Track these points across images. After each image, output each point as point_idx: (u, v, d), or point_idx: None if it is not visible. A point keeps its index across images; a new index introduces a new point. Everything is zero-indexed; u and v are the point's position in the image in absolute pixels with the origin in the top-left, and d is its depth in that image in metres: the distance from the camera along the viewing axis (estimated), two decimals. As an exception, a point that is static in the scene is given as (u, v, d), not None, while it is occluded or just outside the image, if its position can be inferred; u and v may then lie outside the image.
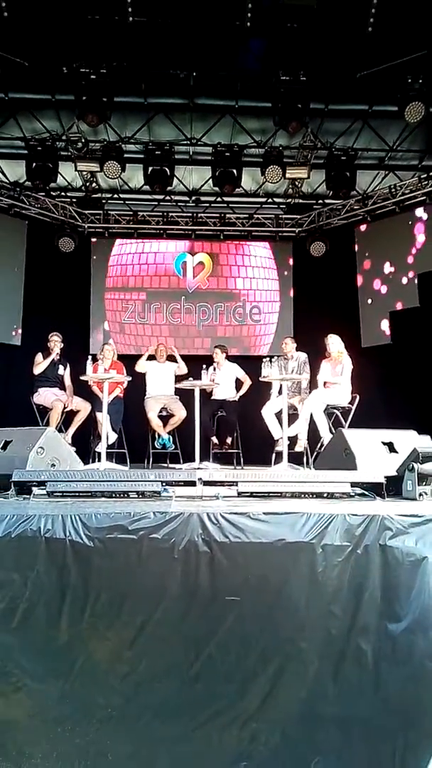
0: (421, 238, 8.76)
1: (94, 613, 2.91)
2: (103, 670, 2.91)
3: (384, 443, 4.23)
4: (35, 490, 3.46)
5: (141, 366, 7.21)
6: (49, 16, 6.46)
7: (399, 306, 8.97)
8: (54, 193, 9.36)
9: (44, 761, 2.79)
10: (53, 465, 3.94)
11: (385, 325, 9.11)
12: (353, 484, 3.76)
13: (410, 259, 8.86)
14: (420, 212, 8.77)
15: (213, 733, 2.85)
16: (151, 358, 7.44)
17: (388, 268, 9.17)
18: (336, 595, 3.08)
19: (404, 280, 8.90)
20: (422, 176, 8.65)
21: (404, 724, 2.86)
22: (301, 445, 6.45)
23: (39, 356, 6.63)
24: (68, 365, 6.69)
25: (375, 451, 4.17)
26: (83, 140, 8.31)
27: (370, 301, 9.38)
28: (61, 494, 3.41)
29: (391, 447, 4.21)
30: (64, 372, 6.68)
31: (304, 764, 2.86)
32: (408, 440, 4.24)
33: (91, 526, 2.99)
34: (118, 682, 2.91)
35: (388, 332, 9.06)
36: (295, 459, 6.23)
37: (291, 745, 2.88)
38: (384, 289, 9.22)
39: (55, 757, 2.81)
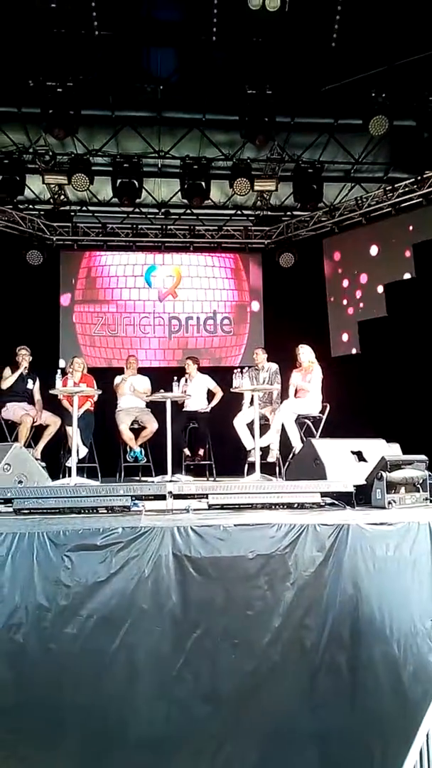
0: (387, 249, 8.91)
1: (63, 632, 2.85)
2: (69, 695, 2.84)
3: (353, 452, 4.27)
4: (1, 507, 3.40)
5: (120, 387, 7.13)
6: (14, 29, 6.43)
7: (367, 316, 9.08)
8: (22, 206, 9.28)
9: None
10: (20, 482, 3.88)
11: (354, 334, 9.21)
12: (323, 494, 3.78)
13: (378, 270, 9.00)
14: (386, 223, 8.91)
15: (187, 756, 2.80)
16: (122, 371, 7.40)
17: (355, 278, 9.29)
18: (309, 606, 3.07)
19: (372, 291, 9.02)
20: (387, 188, 8.80)
21: (381, 735, 2.86)
22: (274, 456, 6.45)
23: (7, 370, 6.53)
24: (37, 379, 6.60)
25: (344, 461, 4.20)
26: (51, 153, 8.27)
27: (338, 311, 9.48)
28: (28, 511, 3.35)
29: (360, 456, 4.25)
30: (34, 386, 6.58)
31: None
32: (377, 449, 4.28)
33: (59, 543, 2.94)
34: (87, 703, 2.84)
35: (357, 342, 9.16)
36: (268, 469, 6.22)
37: (269, 764, 2.84)
38: (352, 300, 9.33)
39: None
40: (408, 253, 8.51)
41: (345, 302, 9.44)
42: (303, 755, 2.84)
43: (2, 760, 2.70)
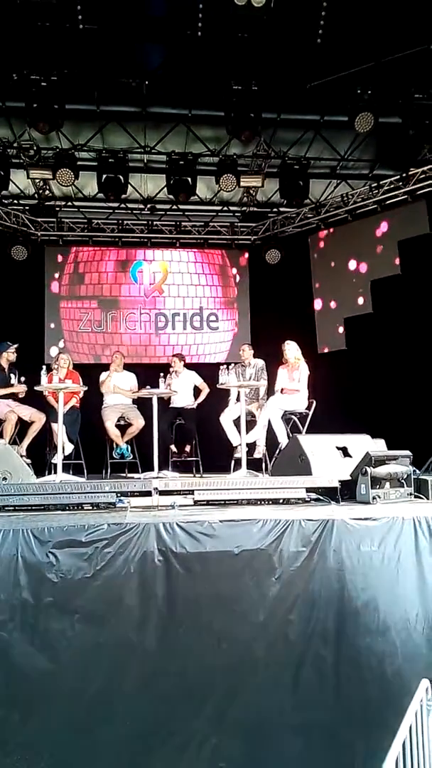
0: (373, 245, 8.94)
1: (48, 628, 2.85)
2: (56, 688, 2.84)
3: (338, 448, 4.29)
4: (-15, 504, 3.38)
5: (105, 384, 7.10)
6: (-3, 22, 6.36)
7: (353, 312, 9.11)
8: (6, 201, 9.18)
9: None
10: (4, 478, 3.85)
11: (340, 331, 9.25)
12: (308, 490, 3.80)
13: (363, 267, 9.03)
14: (372, 220, 8.94)
15: (172, 752, 2.81)
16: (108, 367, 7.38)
17: (341, 275, 9.31)
18: (293, 601, 3.09)
19: (357, 288, 9.05)
20: (373, 185, 8.83)
21: (365, 727, 2.89)
22: (260, 452, 6.47)
23: None
24: (17, 372, 6.57)
25: (329, 456, 4.22)
26: (35, 148, 8.19)
27: (324, 307, 9.51)
28: (12, 508, 3.33)
29: (345, 452, 4.27)
30: (16, 381, 6.54)
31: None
32: (362, 445, 4.30)
33: (44, 540, 2.94)
34: (72, 699, 2.84)
35: (343, 338, 9.20)
36: (255, 465, 6.24)
37: (253, 757, 2.86)
38: (338, 296, 9.36)
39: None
40: (393, 250, 8.54)
41: (331, 299, 9.46)
42: (287, 747, 2.86)
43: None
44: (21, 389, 6.22)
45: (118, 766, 2.76)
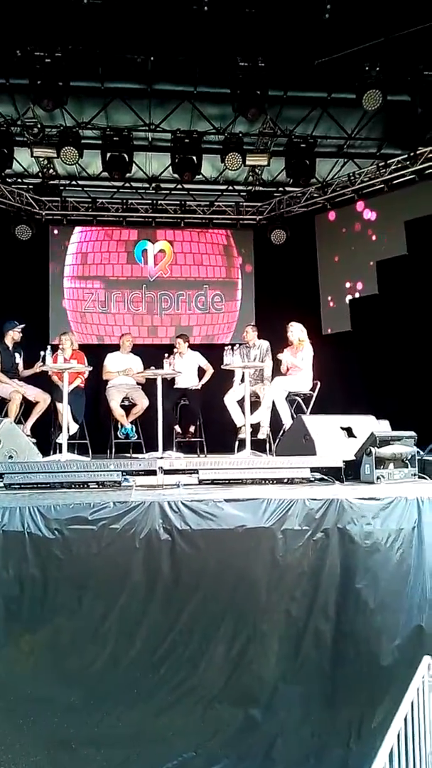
0: (379, 225, 8.87)
1: (55, 604, 2.90)
2: (65, 659, 2.90)
3: (343, 428, 4.30)
4: (-8, 482, 3.41)
5: (109, 372, 7.12)
6: (0, -3, 6.27)
7: (359, 293, 9.08)
8: (10, 180, 9.12)
9: (7, 752, 2.78)
10: (11, 457, 3.89)
11: (345, 312, 9.21)
12: (313, 469, 3.82)
13: (369, 247, 8.97)
14: (379, 200, 8.86)
15: (177, 717, 2.88)
16: (116, 348, 7.40)
17: (347, 255, 9.26)
18: (296, 578, 3.13)
19: (364, 268, 9.00)
20: (380, 164, 8.73)
21: (361, 698, 2.94)
22: (264, 433, 6.49)
23: None
24: (22, 352, 6.60)
25: (334, 437, 4.23)
26: (39, 125, 8.11)
27: (330, 288, 9.46)
28: (19, 486, 3.37)
29: (349, 432, 4.29)
30: (20, 360, 6.58)
31: (267, 742, 2.91)
32: (366, 425, 4.32)
33: (50, 518, 2.97)
34: (80, 672, 2.90)
35: (348, 319, 9.16)
36: (258, 446, 6.26)
37: (254, 724, 2.93)
38: (344, 277, 9.31)
39: (18, 747, 2.80)
40: (400, 230, 8.47)
41: (336, 280, 9.42)
42: (287, 717, 2.92)
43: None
44: (41, 369, 6.13)
45: (126, 731, 2.83)
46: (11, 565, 2.88)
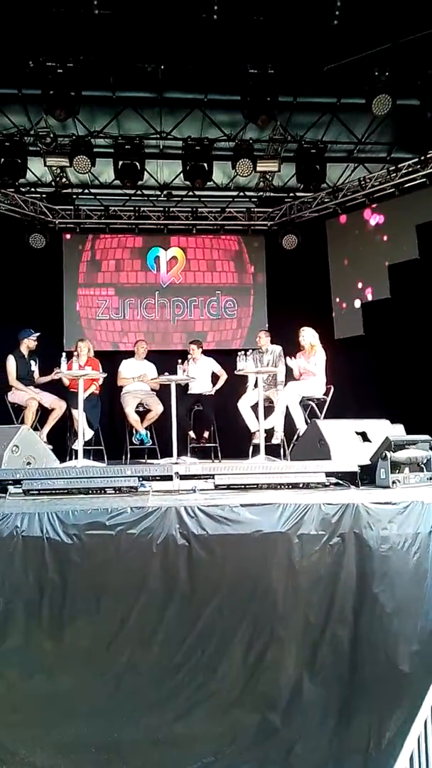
0: (390, 230, 8.86)
1: (74, 609, 2.93)
2: (84, 665, 2.93)
3: (357, 433, 4.30)
4: (11, 488, 3.45)
5: (124, 378, 7.21)
6: (13, 9, 6.35)
7: (370, 298, 9.06)
8: (23, 189, 9.23)
9: (28, 756, 2.80)
10: (29, 463, 3.93)
11: (357, 316, 9.20)
12: (328, 474, 3.83)
13: (381, 251, 8.95)
14: (390, 204, 8.86)
15: (194, 723, 2.89)
16: (130, 354, 7.47)
17: (359, 260, 9.25)
18: (313, 583, 3.14)
19: (376, 272, 8.98)
20: (391, 168, 8.73)
21: (379, 704, 2.94)
22: (278, 437, 6.50)
23: (10, 361, 6.51)
24: (37, 360, 6.66)
25: (349, 441, 4.23)
26: (52, 135, 8.20)
27: (342, 293, 9.46)
28: (37, 492, 3.40)
29: (364, 436, 4.29)
30: (35, 367, 6.64)
31: (285, 747, 2.91)
32: (381, 429, 4.31)
33: (68, 523, 3.00)
34: (99, 677, 2.93)
35: (360, 324, 9.15)
36: (273, 451, 6.28)
37: (272, 729, 2.93)
38: (356, 281, 9.30)
39: (39, 752, 2.83)
40: (412, 234, 8.46)
41: (348, 284, 9.41)
42: (304, 722, 2.92)
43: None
44: (58, 376, 6.22)
45: (145, 736, 2.84)
46: (31, 570, 2.92)
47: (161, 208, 9.67)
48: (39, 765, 2.78)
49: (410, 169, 8.48)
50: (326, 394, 6.34)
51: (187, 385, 7.16)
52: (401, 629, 3.14)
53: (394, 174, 8.64)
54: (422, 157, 8.30)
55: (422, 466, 4.00)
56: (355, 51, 6.95)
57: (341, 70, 7.15)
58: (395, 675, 3.04)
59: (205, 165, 8.32)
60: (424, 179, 8.37)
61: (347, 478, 3.85)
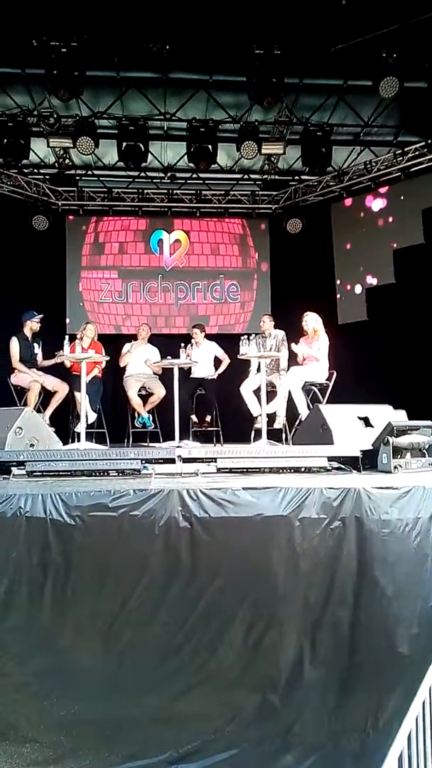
0: (396, 214, 8.80)
1: (76, 590, 2.96)
2: (86, 645, 2.96)
3: (360, 418, 4.31)
4: (14, 470, 3.47)
5: (124, 359, 7.20)
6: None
7: (375, 282, 9.03)
8: (26, 170, 9.18)
9: (30, 733, 2.85)
10: (32, 445, 3.95)
11: (361, 301, 9.17)
12: (330, 459, 3.84)
13: (386, 236, 8.91)
14: (396, 188, 8.79)
15: (195, 701, 2.93)
16: (133, 337, 7.47)
17: (364, 244, 9.20)
18: (314, 566, 3.16)
19: (380, 257, 8.94)
20: (397, 152, 8.66)
21: (378, 685, 2.97)
22: (280, 422, 6.51)
23: (14, 343, 6.50)
24: (41, 342, 6.66)
25: (351, 426, 4.24)
26: (55, 115, 8.13)
27: (346, 277, 9.42)
28: (40, 474, 3.42)
29: (366, 422, 4.29)
30: (39, 350, 6.64)
31: (284, 728, 2.95)
32: (383, 415, 4.32)
33: (72, 505, 3.02)
34: (101, 656, 2.96)
35: (364, 309, 9.12)
36: (275, 436, 6.29)
37: (272, 709, 2.97)
38: (360, 266, 9.26)
39: (42, 729, 2.87)
40: (417, 219, 8.40)
41: (352, 269, 9.37)
42: (303, 702, 2.96)
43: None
44: (61, 359, 6.25)
45: (145, 714, 2.89)
46: (34, 550, 2.95)
47: (165, 191, 9.62)
48: (41, 741, 2.82)
49: (417, 153, 8.41)
50: (329, 379, 6.35)
51: (189, 369, 7.16)
52: (401, 612, 3.16)
53: (401, 158, 8.57)
54: (429, 141, 8.24)
55: (424, 451, 4.01)
56: (362, 32, 6.86)
57: (348, 51, 7.06)
58: (394, 657, 3.07)
59: (210, 147, 8.26)
60: (431, 163, 8.29)
61: (349, 463, 3.86)
